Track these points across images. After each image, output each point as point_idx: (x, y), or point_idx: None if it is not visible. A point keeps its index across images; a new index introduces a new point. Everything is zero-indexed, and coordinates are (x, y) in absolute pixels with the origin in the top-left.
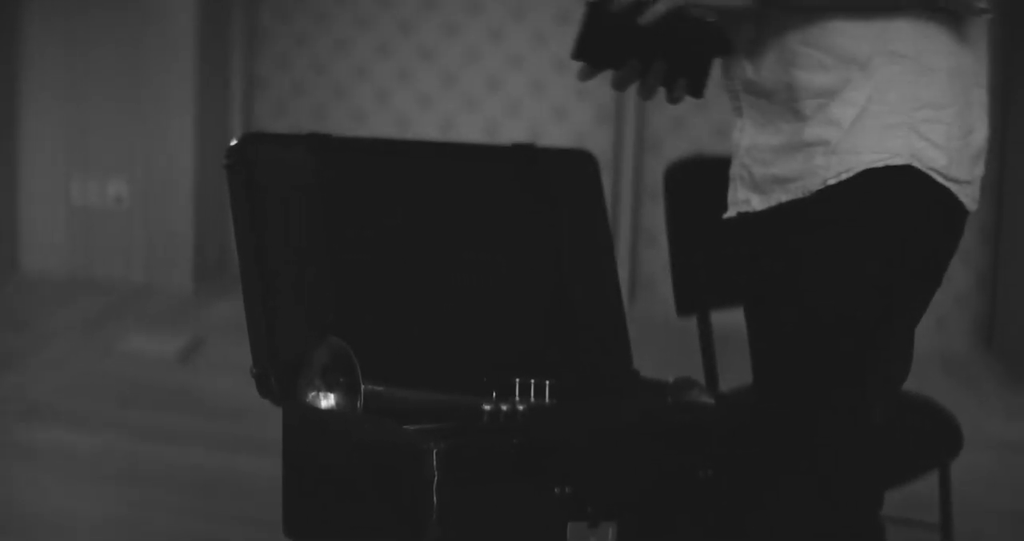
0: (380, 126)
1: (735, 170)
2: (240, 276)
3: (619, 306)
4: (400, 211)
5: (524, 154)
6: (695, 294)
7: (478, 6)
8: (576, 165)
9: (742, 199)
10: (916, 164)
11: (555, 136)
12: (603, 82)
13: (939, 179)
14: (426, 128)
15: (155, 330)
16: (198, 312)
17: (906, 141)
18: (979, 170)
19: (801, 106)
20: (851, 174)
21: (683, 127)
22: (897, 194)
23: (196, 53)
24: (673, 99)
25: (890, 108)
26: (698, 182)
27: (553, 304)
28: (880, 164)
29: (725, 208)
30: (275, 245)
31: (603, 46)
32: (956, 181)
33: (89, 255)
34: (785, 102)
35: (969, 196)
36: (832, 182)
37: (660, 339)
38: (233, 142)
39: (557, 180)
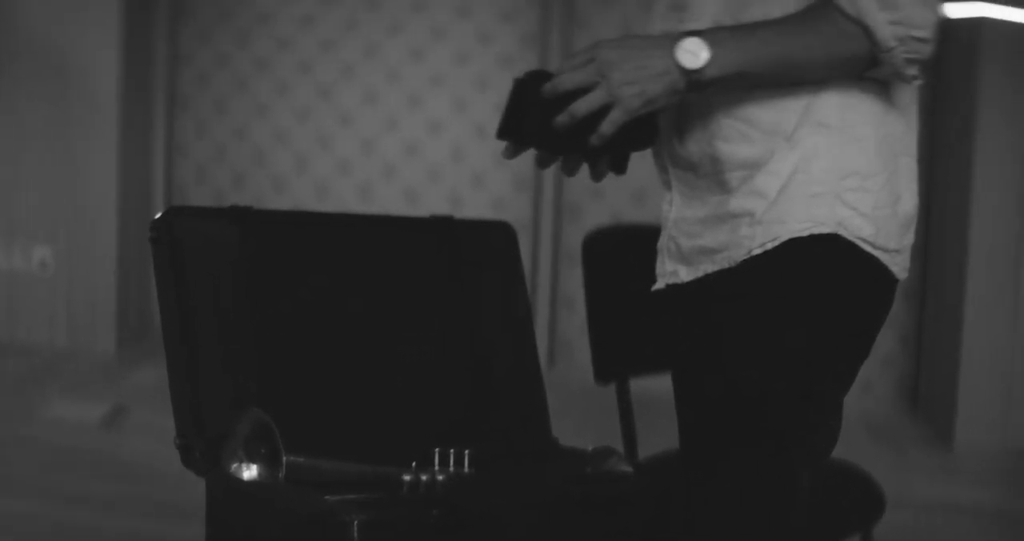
0: (300, 192)
1: (663, 242)
2: (164, 349)
3: (537, 375)
4: (322, 282)
5: (443, 225)
6: (613, 362)
7: (397, 73)
8: (494, 236)
9: (670, 271)
10: (842, 233)
11: (474, 202)
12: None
13: (867, 248)
14: (345, 194)
15: (78, 396)
16: (121, 378)
17: (831, 210)
18: (908, 239)
19: (726, 178)
20: (776, 244)
21: (601, 194)
22: (823, 264)
23: (119, 119)
24: (597, 175)
25: (815, 178)
26: (616, 251)
27: (472, 373)
28: (805, 233)
29: (643, 276)
30: (199, 318)
31: (529, 125)
32: (884, 250)
33: (13, 320)
34: (711, 175)
35: (899, 265)
36: (757, 252)
37: (579, 404)
38: (157, 216)
39: (475, 251)
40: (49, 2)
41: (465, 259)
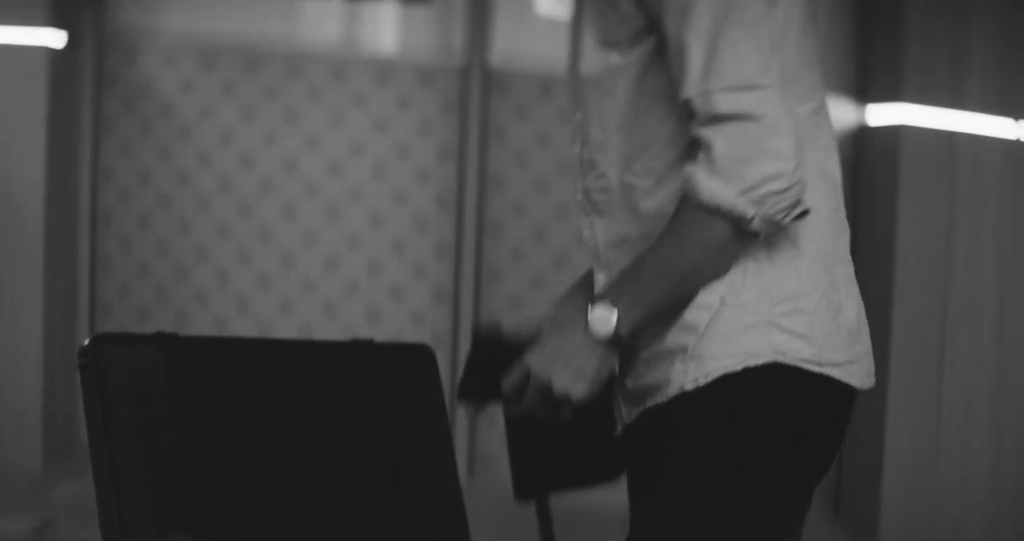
0: (221, 306)
1: (616, 389)
2: (92, 475)
3: (458, 496)
4: (246, 406)
5: (363, 349)
6: (533, 478)
7: (315, 187)
8: (414, 359)
9: (624, 413)
10: (781, 359)
11: (392, 315)
12: (429, 255)
13: (811, 368)
14: (265, 308)
15: (5, 510)
16: (47, 492)
17: (767, 338)
18: (861, 346)
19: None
20: (708, 380)
21: (520, 303)
22: (760, 394)
23: (45, 233)
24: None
25: (746, 308)
26: None
27: (393, 496)
28: (738, 368)
29: None
30: (126, 443)
31: (490, 388)
32: (833, 364)
33: None
34: None
35: (857, 374)
36: (689, 388)
37: (500, 516)
38: (84, 343)
39: (395, 374)
40: None
41: (385, 382)
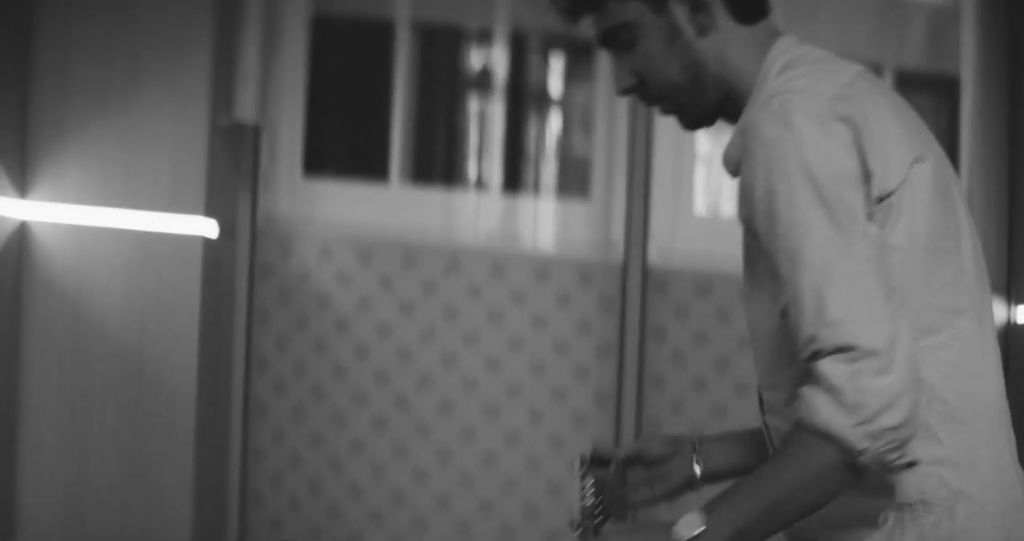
0: (374, 502)
1: None
2: None
3: None
4: None
5: None
6: None
7: (473, 383)
8: None
9: None
10: None
11: (548, 513)
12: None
13: None
14: (421, 504)
15: None
16: None
17: None
18: None
19: None
20: None
21: None
22: None
23: (196, 425)
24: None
25: None
26: None
27: None
28: None
29: None
30: None
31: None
32: None
33: None
34: None
35: None
36: None
37: None
38: None
39: None
40: (129, 302)
41: None
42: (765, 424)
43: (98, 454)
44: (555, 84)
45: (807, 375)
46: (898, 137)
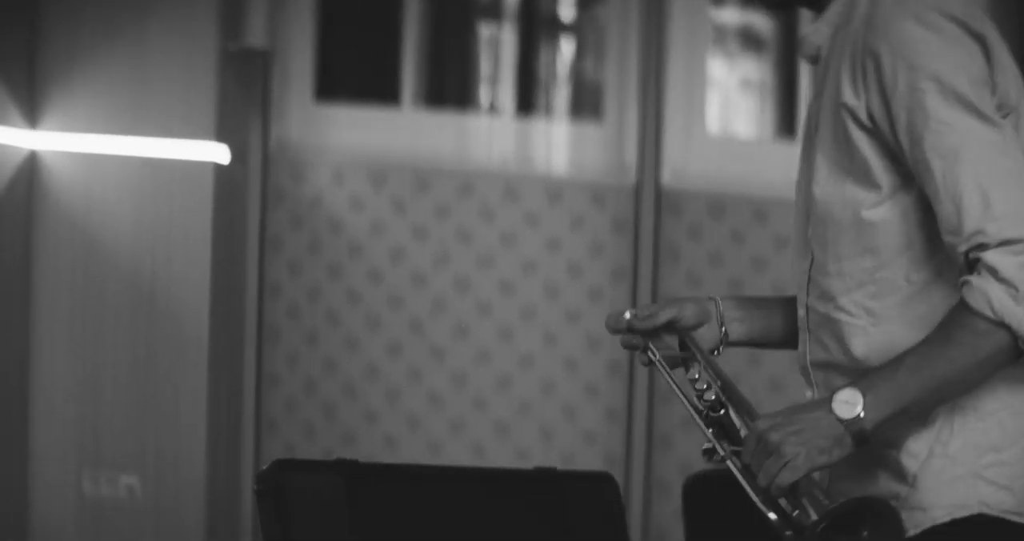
0: (390, 425)
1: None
2: None
3: None
4: (429, 535)
5: (546, 478)
6: None
7: (487, 307)
8: (597, 488)
9: None
10: (986, 511)
11: (564, 435)
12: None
13: (1013, 518)
14: (435, 428)
15: None
16: None
17: (973, 490)
18: None
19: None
20: (917, 532)
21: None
22: None
23: (209, 349)
24: None
25: (954, 459)
26: (718, 497)
27: None
28: (946, 519)
29: (747, 524)
30: None
31: None
32: None
33: None
34: None
35: None
36: None
37: None
38: (263, 469)
39: (578, 503)
40: (140, 229)
41: (568, 510)
42: (807, 307)
43: (111, 381)
44: (567, 8)
45: (967, 266)
46: (1011, 68)
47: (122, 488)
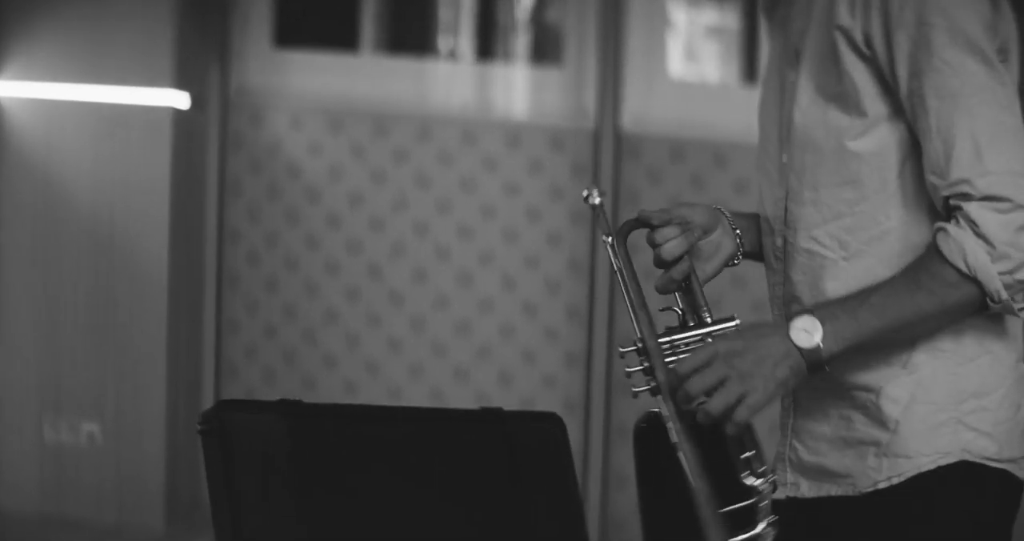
0: (349, 371)
1: (782, 450)
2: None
3: None
4: (371, 475)
5: (492, 418)
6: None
7: (446, 251)
8: (544, 428)
9: (791, 482)
10: (968, 457)
11: (524, 379)
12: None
13: (993, 465)
14: (395, 373)
15: None
16: None
17: (955, 436)
18: None
19: (847, 394)
20: (903, 479)
21: None
22: (948, 493)
23: (169, 295)
24: None
25: (935, 406)
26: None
27: None
28: (932, 466)
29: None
30: (249, 510)
31: None
32: (1011, 460)
33: (60, 495)
34: (830, 389)
35: None
36: (883, 486)
37: None
38: (207, 409)
39: (524, 443)
40: (99, 176)
41: (515, 451)
42: (784, 239)
43: (71, 326)
44: None
45: (946, 211)
46: (1008, 13)
47: (83, 435)
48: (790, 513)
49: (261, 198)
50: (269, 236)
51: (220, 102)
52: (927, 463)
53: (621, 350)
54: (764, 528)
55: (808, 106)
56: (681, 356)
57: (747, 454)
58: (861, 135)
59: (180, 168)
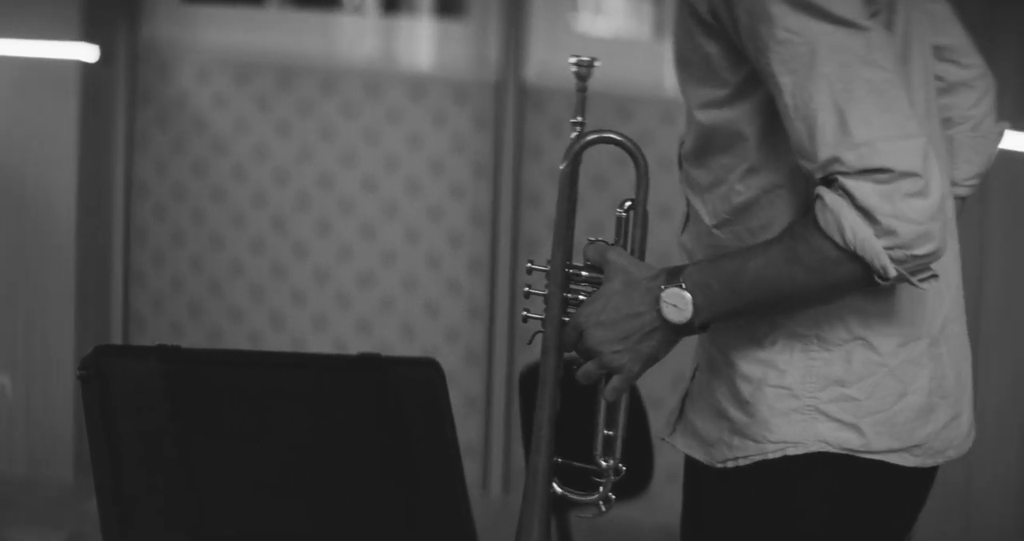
0: (254, 323)
1: (683, 393)
2: (95, 488)
3: (467, 511)
4: (250, 420)
5: (370, 364)
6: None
7: (350, 204)
8: (422, 373)
9: (674, 428)
10: (827, 449)
11: (426, 332)
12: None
13: (864, 457)
14: (299, 325)
15: (36, 524)
16: (79, 506)
17: (810, 426)
18: (933, 425)
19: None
20: (747, 463)
21: None
22: (807, 484)
23: (77, 247)
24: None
25: (788, 391)
26: None
27: (400, 509)
28: (777, 455)
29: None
30: (128, 455)
31: None
32: (889, 451)
33: None
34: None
35: (924, 454)
36: (731, 465)
37: None
38: (86, 354)
39: (401, 388)
40: (7, 129)
41: (392, 396)
42: (688, 202)
43: None
44: None
45: (824, 182)
46: None
47: None
48: (691, 472)
49: (168, 151)
50: (176, 189)
51: (128, 55)
52: (772, 450)
53: (529, 265)
54: (595, 498)
55: (678, 75)
56: (575, 289)
57: (608, 432)
58: (721, 105)
59: (88, 121)
